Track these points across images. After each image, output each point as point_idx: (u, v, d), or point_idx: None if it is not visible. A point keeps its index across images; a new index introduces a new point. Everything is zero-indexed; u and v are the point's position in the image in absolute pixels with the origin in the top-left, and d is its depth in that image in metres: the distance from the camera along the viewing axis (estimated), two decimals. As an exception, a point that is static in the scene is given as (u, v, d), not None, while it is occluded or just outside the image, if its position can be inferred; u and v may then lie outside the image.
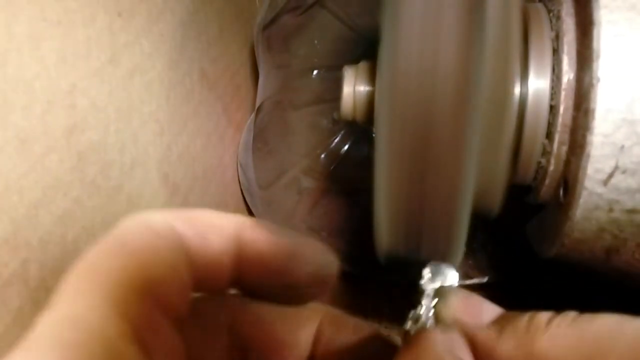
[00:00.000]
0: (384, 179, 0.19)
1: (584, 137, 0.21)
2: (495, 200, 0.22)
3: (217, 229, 0.16)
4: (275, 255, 0.16)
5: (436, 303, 0.18)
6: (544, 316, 0.16)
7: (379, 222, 0.20)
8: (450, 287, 0.19)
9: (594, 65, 0.21)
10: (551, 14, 0.24)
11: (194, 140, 0.34)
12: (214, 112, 0.37)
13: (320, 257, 0.17)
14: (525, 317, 0.16)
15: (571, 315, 0.15)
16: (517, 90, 0.22)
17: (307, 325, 0.18)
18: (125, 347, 0.12)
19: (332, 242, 0.38)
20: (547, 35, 0.24)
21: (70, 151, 0.23)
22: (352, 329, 0.19)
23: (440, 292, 0.19)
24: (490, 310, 0.17)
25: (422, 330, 0.17)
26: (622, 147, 0.21)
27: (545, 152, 0.24)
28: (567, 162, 0.23)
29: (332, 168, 0.38)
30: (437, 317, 0.18)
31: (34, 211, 0.21)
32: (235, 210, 0.41)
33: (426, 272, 0.19)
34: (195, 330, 0.17)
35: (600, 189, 0.21)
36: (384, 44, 0.18)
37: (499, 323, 0.16)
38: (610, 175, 0.21)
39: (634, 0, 0.21)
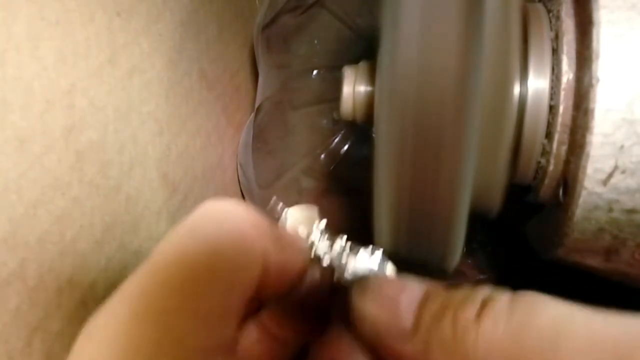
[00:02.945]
0: (383, 179, 0.19)
1: (583, 137, 0.21)
2: (495, 200, 0.22)
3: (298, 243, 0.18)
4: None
5: (353, 292, 0.17)
6: (470, 312, 0.13)
7: (379, 222, 0.20)
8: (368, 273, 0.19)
9: (594, 65, 0.21)
10: (551, 14, 0.24)
11: (194, 140, 0.34)
12: (214, 112, 0.37)
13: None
14: (449, 317, 0.14)
15: (505, 305, 0.13)
16: (516, 90, 0.22)
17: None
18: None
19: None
20: (547, 35, 0.24)
21: (69, 151, 0.22)
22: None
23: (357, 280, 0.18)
24: (412, 294, 0.16)
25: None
26: (622, 146, 0.21)
27: (545, 152, 0.24)
28: (567, 162, 0.23)
29: (332, 168, 0.38)
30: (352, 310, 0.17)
31: (33, 211, 0.21)
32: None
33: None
34: None
35: (599, 189, 0.21)
36: (384, 44, 0.18)
37: (423, 325, 0.15)
38: (610, 175, 0.21)
39: (634, 0, 0.21)
